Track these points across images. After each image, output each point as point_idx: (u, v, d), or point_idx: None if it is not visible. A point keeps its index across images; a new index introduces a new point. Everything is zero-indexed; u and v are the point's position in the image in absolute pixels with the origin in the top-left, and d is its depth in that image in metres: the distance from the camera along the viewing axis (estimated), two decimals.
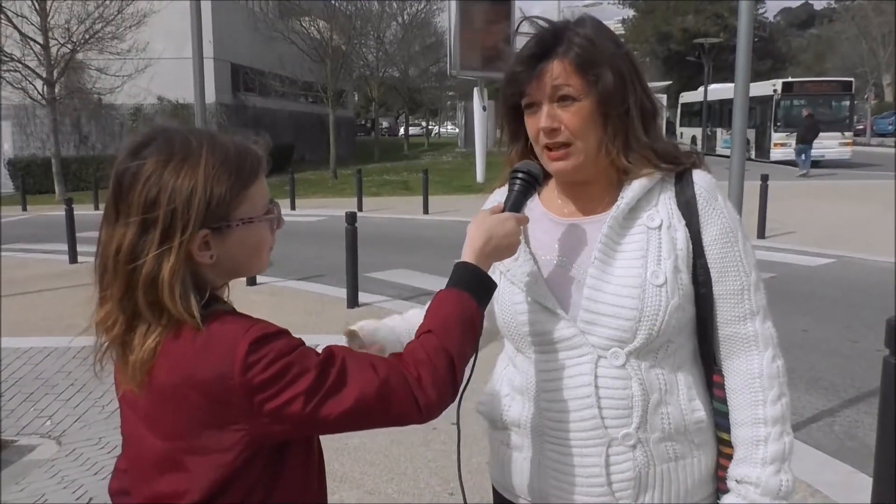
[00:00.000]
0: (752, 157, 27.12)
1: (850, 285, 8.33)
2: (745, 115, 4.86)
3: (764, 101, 26.29)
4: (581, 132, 1.34)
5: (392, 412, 1.13)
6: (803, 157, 22.20)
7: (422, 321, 1.25)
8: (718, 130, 31.50)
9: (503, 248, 1.32)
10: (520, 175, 1.38)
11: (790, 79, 27.36)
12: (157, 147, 1.12)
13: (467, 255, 1.29)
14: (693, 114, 35.08)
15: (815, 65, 47.82)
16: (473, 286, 1.26)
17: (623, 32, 58.46)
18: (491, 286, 1.29)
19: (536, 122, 1.36)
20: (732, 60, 4.82)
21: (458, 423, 1.42)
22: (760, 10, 56.08)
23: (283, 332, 1.12)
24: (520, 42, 1.41)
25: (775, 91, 25.94)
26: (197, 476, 1.11)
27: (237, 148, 1.18)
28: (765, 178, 11.36)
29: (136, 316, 1.11)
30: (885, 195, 16.72)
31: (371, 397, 1.11)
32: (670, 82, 43.23)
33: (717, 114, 31.76)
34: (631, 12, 60.73)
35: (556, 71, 1.33)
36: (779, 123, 25.71)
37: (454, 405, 1.24)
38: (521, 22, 1.41)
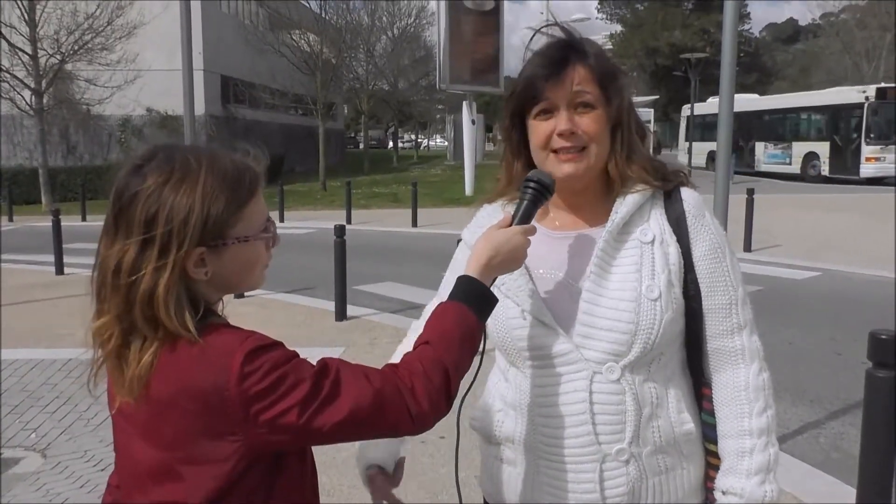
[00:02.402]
0: (826, 173, 24.35)
1: (835, 298, 8.40)
2: (731, 128, 4.89)
3: (848, 109, 23.56)
4: (597, 138, 1.37)
5: (386, 422, 1.14)
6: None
7: (420, 332, 1.26)
8: (761, 144, 28.10)
9: (509, 262, 1.32)
10: (531, 185, 1.36)
11: (883, 84, 24.46)
12: (158, 164, 1.14)
13: (471, 269, 1.29)
14: (708, 126, 30.69)
15: (800, 79, 48.31)
16: (474, 300, 1.26)
17: (611, 47, 58.93)
18: (492, 301, 1.29)
19: (550, 127, 1.37)
20: (719, 75, 4.87)
21: (457, 434, 1.43)
22: (746, 26, 56.74)
23: (278, 344, 1.14)
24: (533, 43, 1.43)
25: (867, 98, 22.76)
26: (193, 486, 1.12)
27: (236, 166, 1.19)
28: (751, 192, 11.47)
29: (132, 330, 1.12)
30: (870, 206, 16.89)
31: (365, 408, 1.12)
32: (658, 96, 43.54)
33: (754, 126, 28.42)
34: (619, 27, 61.25)
35: (580, 76, 1.35)
36: (872, 135, 22.55)
37: (447, 416, 1.24)
38: (543, 27, 1.43)
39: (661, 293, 1.35)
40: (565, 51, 1.37)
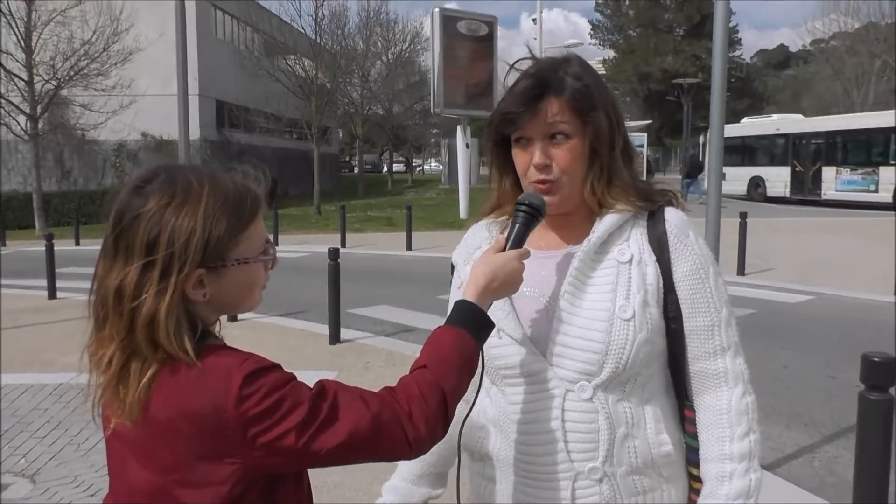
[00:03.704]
0: None
1: (829, 321, 8.41)
2: (721, 154, 4.91)
3: None
4: (570, 169, 1.38)
5: (383, 446, 1.14)
6: (690, 188, 24.32)
7: (418, 355, 1.26)
8: (830, 169, 24.45)
9: (506, 286, 1.32)
10: (523, 208, 1.37)
11: None
12: (159, 185, 1.13)
13: (469, 294, 1.30)
14: (749, 149, 27.65)
15: (791, 104, 48.81)
16: (472, 324, 1.27)
17: (604, 72, 59.51)
18: (489, 325, 1.30)
19: (528, 157, 1.39)
20: (710, 100, 4.92)
21: (458, 457, 1.44)
22: (737, 52, 57.39)
23: (276, 366, 1.13)
24: (509, 77, 1.43)
25: None
26: None
27: (237, 188, 1.19)
28: (743, 216, 11.52)
29: (133, 352, 1.11)
30: (864, 230, 16.97)
31: (363, 431, 1.12)
32: (650, 121, 43.90)
33: (818, 149, 25.30)
34: (611, 52, 61.88)
35: (554, 109, 1.35)
36: None
37: (449, 436, 1.24)
38: (516, 62, 1.44)
39: (634, 313, 1.35)
40: (540, 87, 1.36)
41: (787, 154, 26.26)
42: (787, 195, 25.99)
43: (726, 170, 28.04)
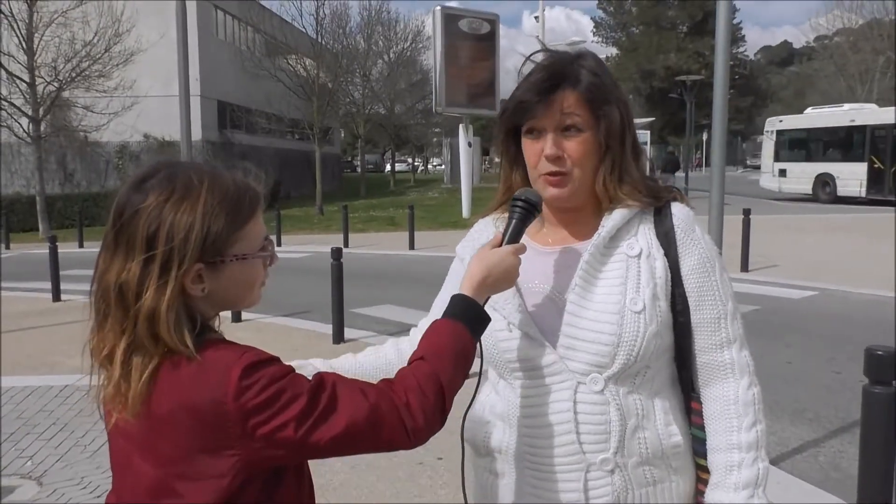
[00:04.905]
0: None
1: (832, 317, 8.40)
2: (724, 151, 4.91)
3: None
4: (581, 162, 1.39)
5: (382, 437, 1.15)
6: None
7: (415, 348, 1.27)
8: None
9: (502, 282, 1.34)
10: (519, 203, 1.39)
11: None
12: (159, 182, 1.15)
13: (465, 288, 1.32)
14: (815, 143, 24.72)
15: (795, 101, 48.70)
16: (469, 318, 1.28)
17: None
18: (486, 319, 1.31)
19: (539, 148, 1.40)
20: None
21: (462, 449, 1.45)
22: (741, 49, 57.37)
23: (275, 359, 1.15)
24: (524, 68, 1.44)
25: None
26: (191, 503, 1.12)
27: (237, 185, 1.20)
28: (747, 213, 11.50)
29: (135, 347, 1.13)
30: (866, 227, 16.94)
31: (361, 422, 1.13)
32: (653, 118, 43.83)
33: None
34: (614, 50, 61.89)
35: (568, 101, 1.37)
36: None
37: (446, 435, 1.25)
38: (532, 54, 1.45)
39: (645, 306, 1.36)
40: (556, 78, 1.38)
41: (863, 149, 23.08)
42: (863, 195, 23.06)
43: (788, 166, 25.27)
